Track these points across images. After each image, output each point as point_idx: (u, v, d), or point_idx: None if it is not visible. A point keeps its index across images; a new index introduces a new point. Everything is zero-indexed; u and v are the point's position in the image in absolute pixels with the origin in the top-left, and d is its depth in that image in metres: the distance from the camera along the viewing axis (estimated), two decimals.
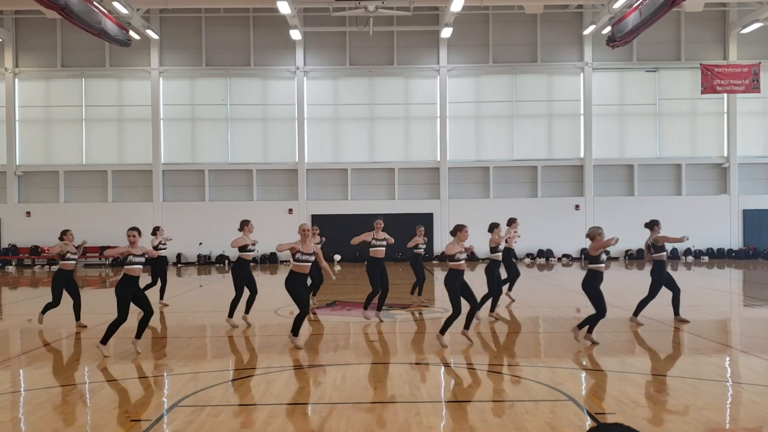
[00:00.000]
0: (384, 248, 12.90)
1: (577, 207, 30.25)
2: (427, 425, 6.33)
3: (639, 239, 30.24)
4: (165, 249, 15.08)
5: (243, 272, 11.97)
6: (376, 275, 12.60)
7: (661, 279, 11.56)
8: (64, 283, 11.58)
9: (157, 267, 14.69)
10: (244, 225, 12.70)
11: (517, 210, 30.17)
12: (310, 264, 10.03)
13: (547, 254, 29.90)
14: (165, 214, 30.00)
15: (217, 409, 6.92)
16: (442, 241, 29.13)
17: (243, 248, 12.18)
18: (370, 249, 12.85)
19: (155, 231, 15.09)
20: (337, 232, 30.00)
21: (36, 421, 6.62)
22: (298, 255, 9.95)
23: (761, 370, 8.58)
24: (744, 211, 30.32)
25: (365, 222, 29.76)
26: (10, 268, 28.32)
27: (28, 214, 29.98)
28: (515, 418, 6.49)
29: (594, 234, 9.97)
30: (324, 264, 10.44)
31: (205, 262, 29.45)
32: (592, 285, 9.95)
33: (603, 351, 9.97)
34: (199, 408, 6.91)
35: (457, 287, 9.76)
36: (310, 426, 6.41)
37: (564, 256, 30.10)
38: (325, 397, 7.35)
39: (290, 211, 30.08)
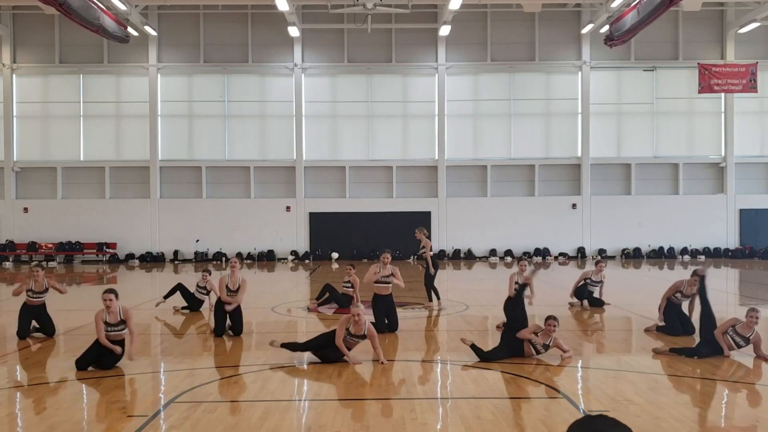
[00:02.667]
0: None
1: (574, 206, 30.30)
2: (422, 422, 6.37)
3: (635, 238, 30.49)
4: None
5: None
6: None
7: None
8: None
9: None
10: None
11: (515, 208, 30.30)
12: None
13: (543, 253, 29.95)
14: (162, 211, 30.02)
15: (213, 405, 6.95)
16: (440, 240, 29.19)
17: None
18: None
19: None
20: (334, 229, 30.09)
21: (33, 416, 6.66)
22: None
23: (755, 369, 8.62)
24: (741, 210, 30.39)
25: (363, 220, 29.96)
26: (8, 264, 28.31)
27: (26, 210, 29.96)
28: (509, 415, 6.53)
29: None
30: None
31: (202, 259, 29.44)
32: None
33: (599, 349, 10.01)
34: (196, 404, 6.94)
35: None
36: (305, 422, 6.45)
37: (561, 254, 30.15)
38: (321, 394, 7.39)
39: (288, 208, 30.08)
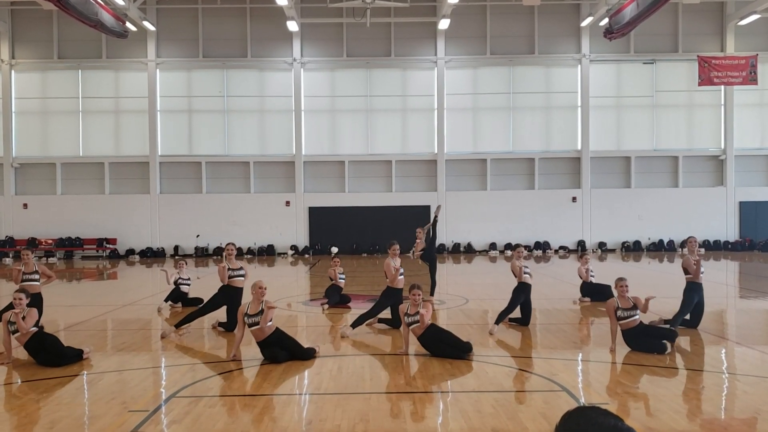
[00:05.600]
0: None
1: (574, 199, 30.31)
2: (422, 415, 6.39)
3: (635, 231, 30.50)
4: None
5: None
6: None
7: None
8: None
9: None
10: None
11: (514, 202, 30.31)
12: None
13: (544, 246, 29.96)
14: (162, 207, 30.03)
15: (214, 400, 6.97)
16: (439, 234, 29.14)
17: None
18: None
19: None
20: (333, 224, 30.10)
21: (34, 411, 6.67)
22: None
23: (755, 362, 8.64)
24: (740, 203, 30.40)
25: (362, 215, 29.97)
26: (7, 260, 28.33)
27: (25, 206, 29.97)
28: (509, 408, 6.55)
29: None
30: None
31: (202, 254, 29.47)
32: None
33: (599, 342, 10.03)
34: (197, 399, 6.96)
35: None
36: (306, 416, 6.46)
37: (561, 248, 30.17)
38: (322, 388, 7.41)
39: (287, 203, 30.09)
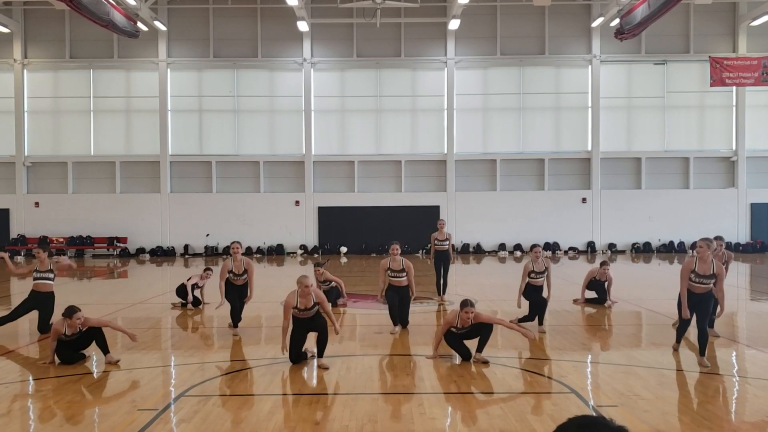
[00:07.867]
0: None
1: (584, 200, 30.21)
2: (430, 416, 6.39)
3: (646, 233, 30.35)
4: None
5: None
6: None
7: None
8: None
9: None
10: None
11: (524, 203, 30.24)
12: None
13: (553, 247, 29.88)
14: (172, 206, 30.16)
15: (223, 399, 7.00)
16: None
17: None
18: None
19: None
20: (343, 224, 30.14)
21: (45, 409, 6.72)
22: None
23: (766, 365, 8.59)
24: (752, 204, 30.20)
25: (371, 214, 29.97)
26: (20, 259, 28.52)
27: (37, 204, 30.17)
28: (517, 410, 6.54)
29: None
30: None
31: (212, 254, 29.58)
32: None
33: (608, 344, 10.00)
34: (206, 398, 6.99)
35: None
36: (314, 416, 6.48)
37: (570, 249, 30.08)
38: (330, 388, 7.42)
39: (297, 203, 30.15)
